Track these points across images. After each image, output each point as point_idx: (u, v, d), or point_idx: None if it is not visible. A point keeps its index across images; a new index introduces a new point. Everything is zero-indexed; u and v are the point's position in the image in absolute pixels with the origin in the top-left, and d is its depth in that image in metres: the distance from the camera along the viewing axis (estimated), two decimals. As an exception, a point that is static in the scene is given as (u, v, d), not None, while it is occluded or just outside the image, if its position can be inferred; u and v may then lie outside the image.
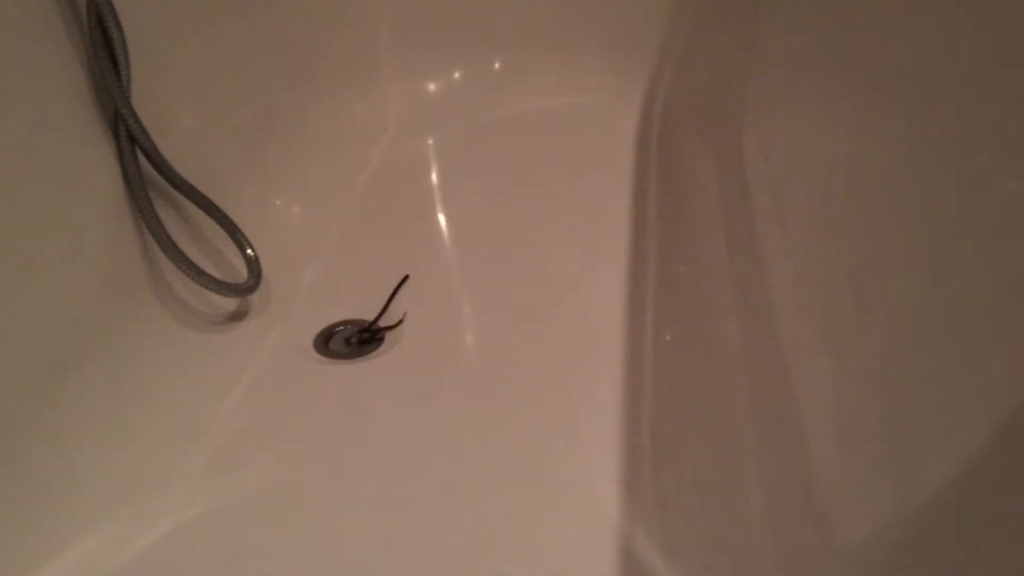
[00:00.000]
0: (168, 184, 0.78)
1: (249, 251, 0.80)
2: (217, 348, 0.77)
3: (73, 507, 0.62)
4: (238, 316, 0.80)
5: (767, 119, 0.85)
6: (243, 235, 0.80)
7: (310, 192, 0.96)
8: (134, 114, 0.73)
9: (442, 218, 0.94)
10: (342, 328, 0.81)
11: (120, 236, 0.74)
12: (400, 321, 0.80)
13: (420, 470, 0.66)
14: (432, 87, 1.14)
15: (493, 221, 0.93)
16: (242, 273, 0.81)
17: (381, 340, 0.79)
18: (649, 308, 0.80)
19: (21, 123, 0.65)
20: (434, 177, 1.01)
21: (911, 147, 0.57)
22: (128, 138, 0.74)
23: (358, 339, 0.79)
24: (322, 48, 1.04)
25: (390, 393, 0.74)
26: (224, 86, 0.90)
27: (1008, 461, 0.41)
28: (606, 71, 1.12)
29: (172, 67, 0.83)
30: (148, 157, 0.76)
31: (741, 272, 0.78)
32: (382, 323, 0.80)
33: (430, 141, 1.07)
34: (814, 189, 0.71)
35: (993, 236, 0.46)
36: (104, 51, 0.71)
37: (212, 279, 0.75)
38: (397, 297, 0.83)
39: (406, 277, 0.84)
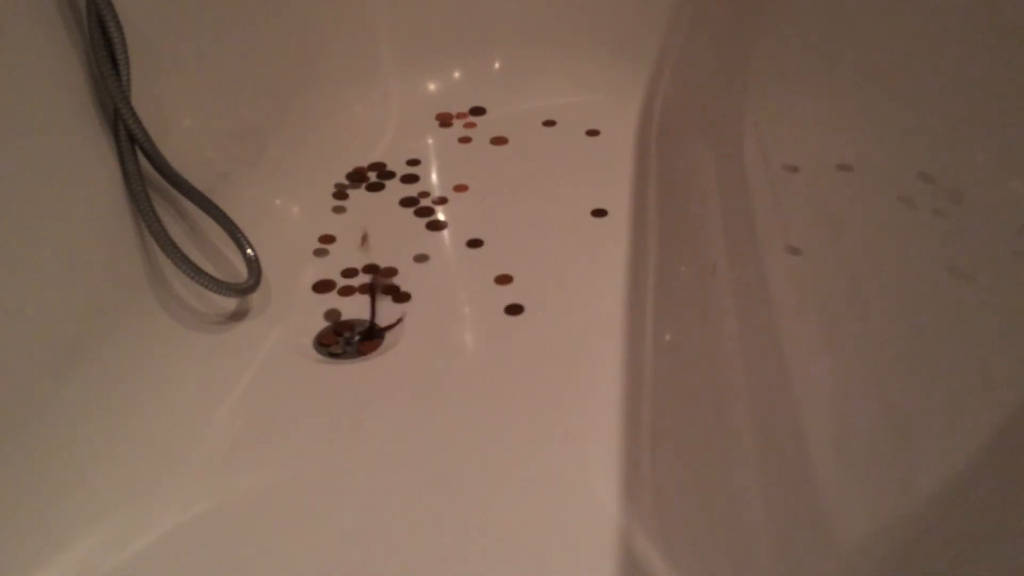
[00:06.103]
0: (168, 184, 0.78)
1: (249, 251, 0.80)
2: (217, 348, 0.77)
3: (73, 507, 0.62)
4: (238, 316, 0.80)
5: (767, 119, 0.85)
6: (243, 235, 0.80)
7: (310, 192, 0.96)
8: (134, 114, 0.73)
9: (441, 217, 0.94)
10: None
11: (120, 236, 0.74)
12: (399, 320, 0.80)
13: (420, 469, 0.66)
14: (432, 87, 1.14)
15: (492, 220, 0.93)
16: (242, 273, 0.80)
17: (381, 339, 0.79)
18: (649, 308, 0.80)
19: (21, 123, 0.65)
20: (434, 177, 1.01)
21: (911, 146, 0.57)
22: (128, 138, 0.74)
23: (359, 339, 0.79)
24: (322, 48, 1.04)
25: (390, 393, 0.74)
26: (224, 86, 0.90)
27: (1008, 461, 0.41)
28: (606, 71, 1.12)
29: (172, 67, 0.83)
30: (148, 157, 0.76)
31: (741, 272, 0.78)
32: (380, 324, 0.80)
33: (430, 141, 1.07)
34: (814, 189, 0.71)
35: (993, 236, 0.46)
36: (104, 51, 0.71)
37: (212, 279, 0.75)
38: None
39: (373, 279, 0.85)
